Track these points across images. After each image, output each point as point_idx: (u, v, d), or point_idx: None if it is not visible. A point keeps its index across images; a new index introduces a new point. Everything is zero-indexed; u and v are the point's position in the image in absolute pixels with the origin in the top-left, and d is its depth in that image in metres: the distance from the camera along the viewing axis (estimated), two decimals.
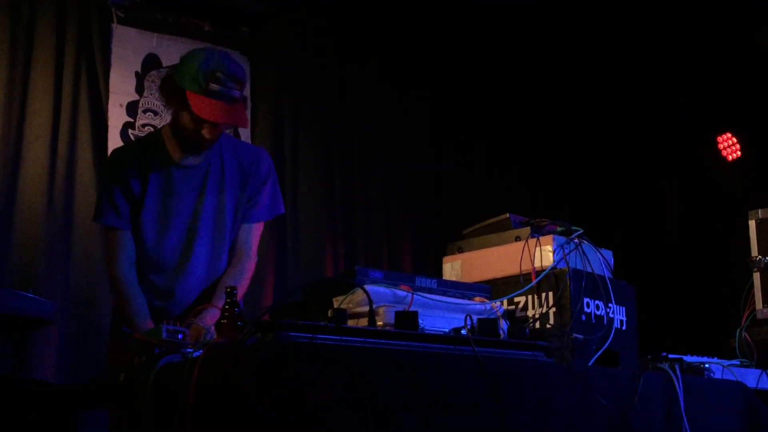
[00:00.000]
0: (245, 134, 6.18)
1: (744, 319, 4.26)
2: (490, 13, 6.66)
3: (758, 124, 6.68)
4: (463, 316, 2.70)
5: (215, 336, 2.69)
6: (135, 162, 3.47)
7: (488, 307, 2.97)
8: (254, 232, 3.61)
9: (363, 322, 2.62)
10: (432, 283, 2.92)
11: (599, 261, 3.31)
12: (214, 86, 3.28)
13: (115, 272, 3.43)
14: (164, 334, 2.60)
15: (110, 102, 5.70)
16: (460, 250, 3.54)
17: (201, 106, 3.28)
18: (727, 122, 6.91)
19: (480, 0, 6.50)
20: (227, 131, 3.77)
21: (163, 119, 5.87)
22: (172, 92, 3.36)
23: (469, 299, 2.97)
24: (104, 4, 5.74)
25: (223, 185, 3.53)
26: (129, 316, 3.37)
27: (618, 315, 3.27)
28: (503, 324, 2.89)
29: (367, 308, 2.63)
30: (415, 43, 6.89)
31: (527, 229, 3.33)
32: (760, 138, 6.70)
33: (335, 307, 2.64)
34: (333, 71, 6.65)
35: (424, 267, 6.32)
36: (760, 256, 4.32)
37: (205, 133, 3.34)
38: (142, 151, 3.50)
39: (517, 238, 3.33)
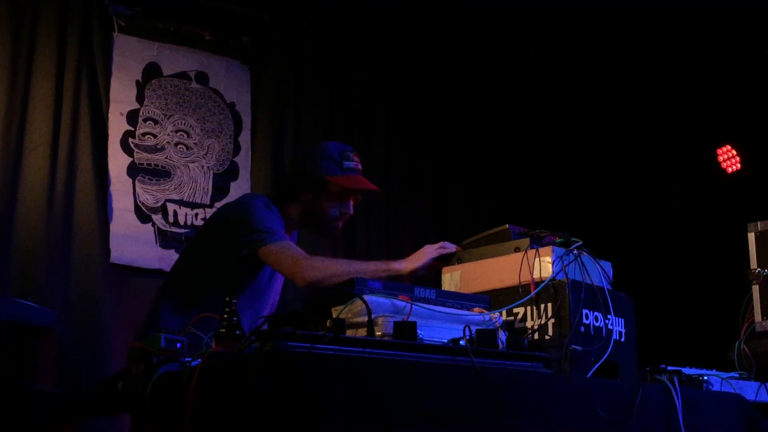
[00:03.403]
0: (245, 143, 6.20)
1: (743, 332, 4.25)
2: (491, 19, 6.66)
3: (758, 137, 6.68)
4: (461, 327, 2.70)
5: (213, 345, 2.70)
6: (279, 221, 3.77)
7: (487, 317, 2.97)
8: None
9: (362, 333, 2.62)
10: (431, 293, 2.92)
11: (598, 272, 3.31)
12: (348, 164, 3.80)
13: (311, 263, 3.57)
14: (163, 343, 2.60)
15: (111, 111, 5.71)
16: (460, 261, 3.54)
17: (345, 182, 3.78)
18: (727, 134, 6.91)
19: (479, 8, 6.49)
20: None
21: (164, 128, 5.88)
22: (304, 184, 3.80)
23: (468, 310, 2.96)
24: (105, 13, 5.75)
25: None
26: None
27: (617, 326, 3.27)
28: (502, 335, 2.89)
29: (365, 318, 2.63)
30: (417, 51, 6.89)
31: (526, 240, 3.33)
32: (760, 151, 6.70)
33: (334, 317, 2.64)
34: (335, 80, 6.66)
35: (423, 277, 6.31)
36: (759, 269, 4.31)
37: (345, 210, 3.83)
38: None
39: (517, 249, 3.33)
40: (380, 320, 2.64)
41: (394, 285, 2.87)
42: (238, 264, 3.65)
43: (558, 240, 3.32)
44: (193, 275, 3.75)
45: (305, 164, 3.88)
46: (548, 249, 3.24)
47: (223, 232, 3.74)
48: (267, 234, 3.59)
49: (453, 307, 2.93)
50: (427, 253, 3.69)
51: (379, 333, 2.63)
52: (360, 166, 3.86)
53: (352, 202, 3.85)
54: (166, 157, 5.88)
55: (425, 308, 2.80)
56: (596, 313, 3.21)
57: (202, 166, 6.01)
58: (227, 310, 2.66)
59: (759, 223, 4.41)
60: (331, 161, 3.79)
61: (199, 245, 3.92)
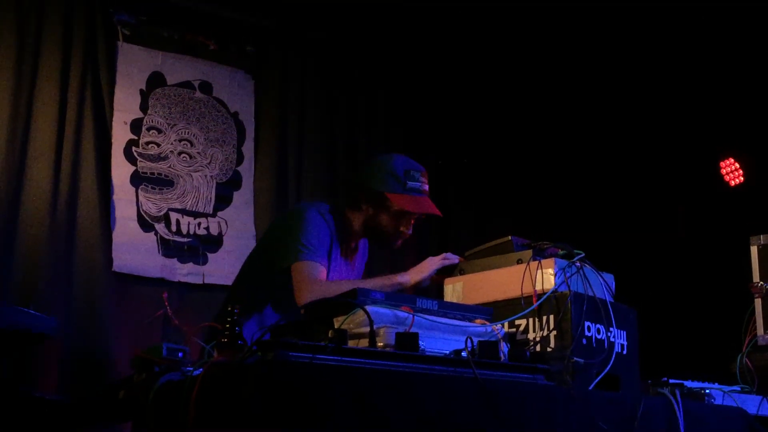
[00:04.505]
0: (249, 153, 6.20)
1: (745, 345, 4.25)
2: (493, 26, 6.66)
3: (761, 150, 6.68)
4: (463, 338, 2.70)
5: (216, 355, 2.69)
6: (330, 233, 3.76)
7: (489, 329, 2.96)
8: None
9: (363, 343, 2.62)
10: (433, 304, 2.92)
11: (600, 284, 3.31)
12: (412, 184, 3.76)
13: (312, 290, 3.54)
14: (164, 352, 2.60)
15: (114, 119, 5.72)
16: (462, 272, 3.54)
17: (404, 202, 3.75)
18: (730, 147, 6.92)
19: (481, 7, 6.49)
20: None
21: (167, 137, 5.89)
22: (365, 196, 3.78)
23: (470, 321, 2.96)
24: (110, 22, 5.76)
25: (361, 263, 4.08)
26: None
27: (619, 339, 3.27)
28: (504, 346, 2.89)
29: (367, 329, 2.62)
30: (419, 58, 6.89)
31: (529, 252, 3.33)
32: (763, 164, 6.70)
33: (336, 327, 2.64)
34: (338, 89, 6.66)
35: (426, 288, 6.31)
36: (761, 282, 4.31)
37: (404, 228, 3.80)
38: (331, 229, 3.78)
39: (519, 261, 3.33)
40: (382, 331, 2.64)
41: (397, 296, 2.87)
42: (284, 270, 3.67)
43: (560, 252, 3.32)
44: (253, 282, 3.79)
45: (369, 176, 3.86)
46: (551, 261, 3.24)
47: (274, 240, 3.79)
48: (301, 251, 3.62)
49: (455, 318, 2.93)
50: (431, 265, 3.71)
51: (381, 344, 2.62)
52: (426, 187, 3.84)
53: (412, 222, 3.83)
54: (170, 166, 5.89)
55: (427, 319, 2.80)
56: (598, 326, 3.20)
57: (205, 175, 6.02)
58: (229, 319, 2.65)
59: (762, 236, 4.41)
60: (394, 178, 3.78)
61: (257, 253, 3.95)
